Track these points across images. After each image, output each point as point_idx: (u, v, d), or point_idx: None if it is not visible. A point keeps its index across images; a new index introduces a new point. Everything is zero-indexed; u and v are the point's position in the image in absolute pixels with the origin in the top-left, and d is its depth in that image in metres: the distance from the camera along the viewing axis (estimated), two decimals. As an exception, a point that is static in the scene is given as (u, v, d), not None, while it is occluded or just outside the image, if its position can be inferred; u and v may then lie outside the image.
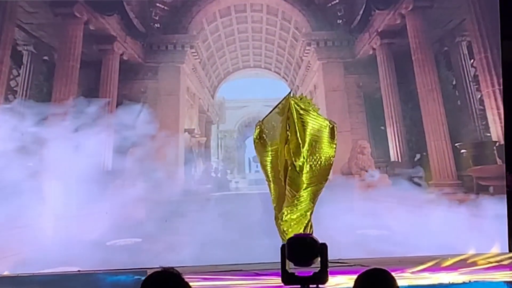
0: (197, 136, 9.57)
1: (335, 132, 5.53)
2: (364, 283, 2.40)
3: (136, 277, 5.78)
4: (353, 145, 8.85)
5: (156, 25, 9.20)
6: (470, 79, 8.89)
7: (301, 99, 5.54)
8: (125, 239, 7.41)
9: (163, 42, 9.23)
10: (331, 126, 5.55)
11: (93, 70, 8.83)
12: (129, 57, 9.18)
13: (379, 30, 9.31)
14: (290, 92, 5.75)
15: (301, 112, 5.41)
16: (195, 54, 9.57)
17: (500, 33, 8.06)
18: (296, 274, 2.97)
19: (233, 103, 10.42)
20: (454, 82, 9.11)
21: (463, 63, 9.06)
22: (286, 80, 10.40)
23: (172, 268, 2.27)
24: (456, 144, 8.63)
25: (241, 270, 6.33)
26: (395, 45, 9.31)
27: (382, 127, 9.17)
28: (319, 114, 5.60)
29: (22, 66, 8.70)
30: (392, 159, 9.05)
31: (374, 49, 9.45)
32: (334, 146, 5.52)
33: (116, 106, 8.56)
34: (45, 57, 8.89)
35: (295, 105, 5.42)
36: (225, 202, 8.48)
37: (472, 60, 8.81)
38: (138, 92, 9.02)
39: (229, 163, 9.62)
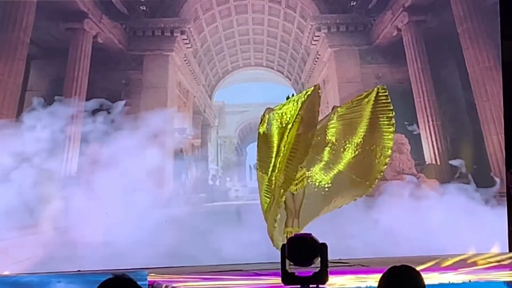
0: (189, 137, 8.89)
1: None
2: (391, 281, 2.35)
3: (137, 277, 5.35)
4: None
5: (141, 7, 8.53)
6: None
7: (287, 98, 5.67)
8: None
9: (148, 27, 8.60)
10: None
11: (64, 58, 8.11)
12: (107, 42, 8.45)
13: (406, 5, 8.51)
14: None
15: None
16: (187, 41, 8.86)
17: (500, 33, 8.06)
18: (296, 274, 3.05)
19: (233, 107, 9.89)
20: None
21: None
22: (290, 79, 9.78)
23: (124, 274, 2.25)
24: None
25: (241, 270, 6.47)
26: (425, 24, 8.55)
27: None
28: None
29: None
30: (428, 161, 8.26)
31: (399, 30, 8.66)
32: None
33: (86, 98, 7.81)
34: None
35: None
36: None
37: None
38: (119, 84, 8.35)
39: (229, 170, 9.28)
